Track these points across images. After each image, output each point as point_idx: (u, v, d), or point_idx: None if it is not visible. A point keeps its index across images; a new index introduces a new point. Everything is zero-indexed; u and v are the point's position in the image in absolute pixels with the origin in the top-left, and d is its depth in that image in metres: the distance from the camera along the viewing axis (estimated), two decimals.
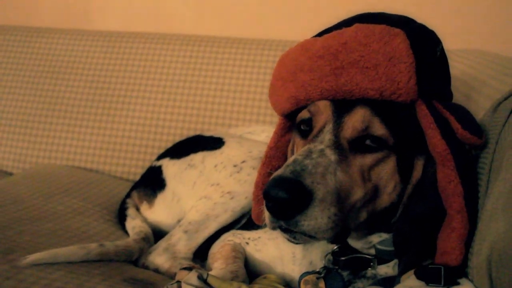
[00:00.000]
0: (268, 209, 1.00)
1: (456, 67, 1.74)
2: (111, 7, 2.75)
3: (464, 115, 1.13)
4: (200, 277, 1.13)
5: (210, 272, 1.18)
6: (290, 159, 1.02)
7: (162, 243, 1.55)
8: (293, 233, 1.01)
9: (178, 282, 1.16)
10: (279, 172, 0.99)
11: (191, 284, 1.11)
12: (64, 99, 2.39)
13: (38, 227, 1.50)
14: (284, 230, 1.01)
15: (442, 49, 1.17)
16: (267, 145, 1.36)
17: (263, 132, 1.87)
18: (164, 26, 2.63)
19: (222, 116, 2.25)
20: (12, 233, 1.42)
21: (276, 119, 2.07)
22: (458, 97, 1.42)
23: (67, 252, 1.34)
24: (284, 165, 1.00)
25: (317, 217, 0.96)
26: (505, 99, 1.21)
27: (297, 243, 1.29)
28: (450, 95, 1.21)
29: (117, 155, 2.30)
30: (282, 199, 0.94)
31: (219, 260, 1.37)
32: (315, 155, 1.02)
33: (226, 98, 2.26)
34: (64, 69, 2.43)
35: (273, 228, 1.03)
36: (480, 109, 1.40)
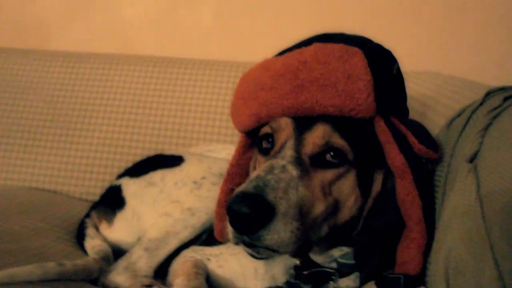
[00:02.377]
0: (231, 224, 1.00)
1: (412, 88, 1.79)
2: (70, 27, 2.73)
3: (420, 130, 1.18)
4: None
5: (174, 284, 1.18)
6: (253, 175, 1.04)
7: (122, 262, 1.53)
8: (257, 248, 1.01)
9: None
10: (241, 187, 1.00)
11: None
12: (22, 119, 2.34)
13: None
14: (248, 245, 1.02)
15: (398, 68, 1.22)
16: (227, 162, 1.38)
17: (223, 150, 1.89)
18: (124, 48, 2.63)
19: (183, 136, 2.24)
20: None
21: (236, 138, 2.10)
22: (414, 116, 1.47)
23: (25, 271, 1.31)
24: (247, 181, 1.02)
25: (280, 231, 0.97)
26: (458, 115, 1.27)
27: (260, 258, 1.30)
28: (406, 111, 1.26)
29: (76, 176, 2.26)
30: (245, 214, 0.95)
31: (180, 277, 1.36)
32: (277, 170, 1.03)
33: (187, 119, 2.26)
34: (22, 89, 2.38)
35: (237, 243, 1.04)
36: (435, 126, 1.46)
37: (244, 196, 0.97)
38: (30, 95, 2.38)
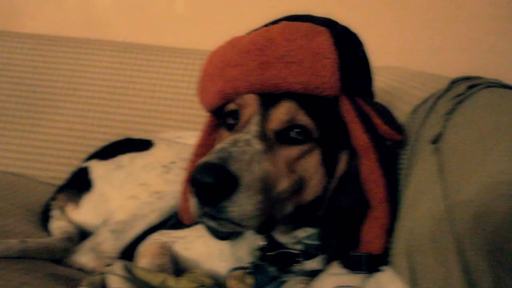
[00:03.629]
0: (195, 194, 1.00)
1: (380, 80, 1.84)
2: (41, 9, 2.69)
3: (385, 112, 1.20)
4: (125, 267, 1.13)
5: (140, 264, 1.18)
6: (217, 147, 1.04)
7: (88, 243, 1.53)
8: (219, 220, 1.01)
9: (102, 273, 1.15)
10: (205, 158, 0.99)
11: (116, 274, 1.10)
12: None
13: None
14: (210, 218, 1.02)
15: (364, 51, 1.24)
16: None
17: (192, 136, 1.88)
18: (95, 32, 2.59)
19: (152, 123, 2.24)
20: None
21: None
22: None
23: None
24: (210, 152, 1.02)
25: (243, 203, 0.97)
26: (423, 102, 1.31)
27: (222, 237, 1.31)
28: (371, 95, 1.28)
29: (42, 160, 2.23)
30: (208, 183, 0.95)
31: (146, 257, 1.35)
32: (241, 143, 1.04)
33: (157, 105, 2.25)
34: None
35: (199, 216, 1.03)
36: (403, 114, 1.49)
37: (208, 166, 0.96)
38: None
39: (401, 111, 1.52)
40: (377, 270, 1.05)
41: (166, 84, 2.28)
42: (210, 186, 0.95)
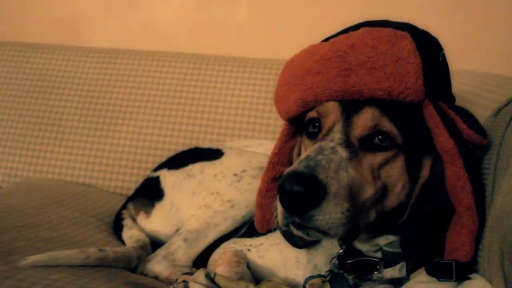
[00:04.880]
0: (282, 204, 0.99)
1: (453, 86, 1.79)
2: (104, 24, 2.77)
3: (468, 117, 1.16)
4: (207, 276, 1.12)
5: (216, 272, 1.17)
6: (303, 156, 1.03)
7: (161, 251, 1.53)
8: (306, 229, 1.00)
9: (185, 281, 1.14)
10: (292, 167, 0.99)
11: (199, 283, 1.10)
12: (57, 113, 2.38)
13: (34, 234, 1.47)
14: (297, 227, 1.01)
15: (444, 55, 1.21)
16: (267, 156, 1.37)
17: (260, 145, 1.88)
18: (157, 44, 2.64)
19: (217, 132, 2.25)
20: (7, 238, 1.39)
21: (271, 135, 2.11)
22: None
23: (67, 255, 1.31)
24: (297, 161, 1.01)
25: (331, 211, 0.96)
26: (505, 105, 1.25)
27: (302, 246, 1.29)
28: (453, 98, 1.24)
29: (110, 170, 2.27)
30: (297, 192, 0.94)
31: (221, 265, 1.35)
32: (327, 151, 1.02)
33: (221, 115, 2.27)
34: (58, 84, 2.42)
35: (286, 225, 1.02)
36: (480, 118, 1.44)
37: (296, 175, 0.96)
38: (65, 90, 2.42)
39: (478, 115, 1.47)
40: (466, 278, 1.01)
41: (231, 94, 2.29)
42: (299, 194, 0.94)
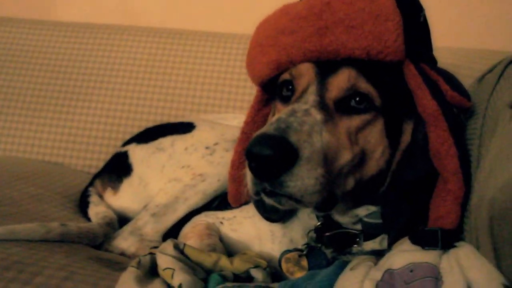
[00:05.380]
0: (251, 170, 0.93)
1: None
2: None
3: (451, 78, 1.11)
4: (176, 247, 1.05)
5: (187, 243, 1.10)
6: (274, 118, 0.96)
7: (128, 227, 1.47)
8: (278, 197, 0.94)
9: (151, 254, 1.07)
10: (262, 130, 0.92)
11: (167, 254, 1.03)
12: (22, 89, 2.28)
13: None
14: (268, 194, 0.94)
15: (425, 16, 1.14)
16: (240, 129, 1.30)
17: (234, 118, 1.81)
18: (128, 19, 2.55)
19: (190, 108, 2.18)
20: None
21: (246, 110, 2.03)
22: None
23: (26, 229, 1.24)
24: (267, 124, 0.95)
25: (304, 177, 0.90)
26: (489, 71, 1.21)
27: (276, 219, 1.23)
28: (434, 60, 1.18)
29: (78, 148, 2.19)
30: (266, 156, 0.87)
31: (192, 238, 1.28)
32: (299, 114, 0.96)
33: (194, 91, 2.19)
34: (23, 58, 2.32)
35: (256, 193, 0.96)
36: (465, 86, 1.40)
37: (265, 138, 0.89)
38: (31, 65, 2.32)
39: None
40: (453, 246, 0.95)
41: (204, 69, 2.22)
42: (268, 158, 0.87)
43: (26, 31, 2.39)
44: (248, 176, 0.96)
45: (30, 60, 2.33)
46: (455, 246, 0.94)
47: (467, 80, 1.27)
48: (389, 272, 0.90)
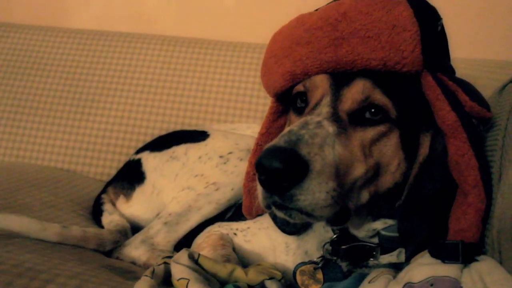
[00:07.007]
0: (261, 183, 0.91)
1: None
2: (88, 4, 2.66)
3: (470, 88, 1.08)
4: (190, 257, 1.04)
5: (201, 253, 1.08)
6: (285, 130, 0.95)
7: (139, 236, 1.45)
8: (289, 211, 0.92)
9: (166, 263, 1.06)
10: (272, 142, 0.91)
11: (181, 264, 1.01)
12: (36, 96, 2.28)
13: None
14: (279, 207, 0.93)
15: (442, 25, 1.13)
16: (254, 138, 1.29)
17: (248, 128, 1.80)
18: (143, 27, 2.55)
19: (203, 117, 2.16)
20: None
21: (259, 120, 2.03)
22: None
23: (23, 221, 1.25)
24: (279, 136, 0.93)
25: (315, 190, 0.88)
26: (510, 81, 1.19)
27: (291, 232, 1.21)
28: (452, 70, 1.15)
29: (91, 155, 2.18)
30: (275, 169, 0.85)
31: (206, 249, 1.26)
32: (311, 126, 0.94)
33: (207, 99, 2.18)
34: (38, 65, 2.32)
35: (267, 206, 0.94)
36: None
37: (275, 151, 0.87)
38: (45, 72, 2.32)
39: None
40: (474, 260, 0.93)
41: (218, 78, 2.21)
42: (278, 172, 0.86)
43: (40, 38, 2.40)
44: (259, 189, 0.94)
45: (42, 67, 2.33)
46: (476, 260, 0.91)
47: (485, 91, 1.25)
48: (408, 285, 0.88)
